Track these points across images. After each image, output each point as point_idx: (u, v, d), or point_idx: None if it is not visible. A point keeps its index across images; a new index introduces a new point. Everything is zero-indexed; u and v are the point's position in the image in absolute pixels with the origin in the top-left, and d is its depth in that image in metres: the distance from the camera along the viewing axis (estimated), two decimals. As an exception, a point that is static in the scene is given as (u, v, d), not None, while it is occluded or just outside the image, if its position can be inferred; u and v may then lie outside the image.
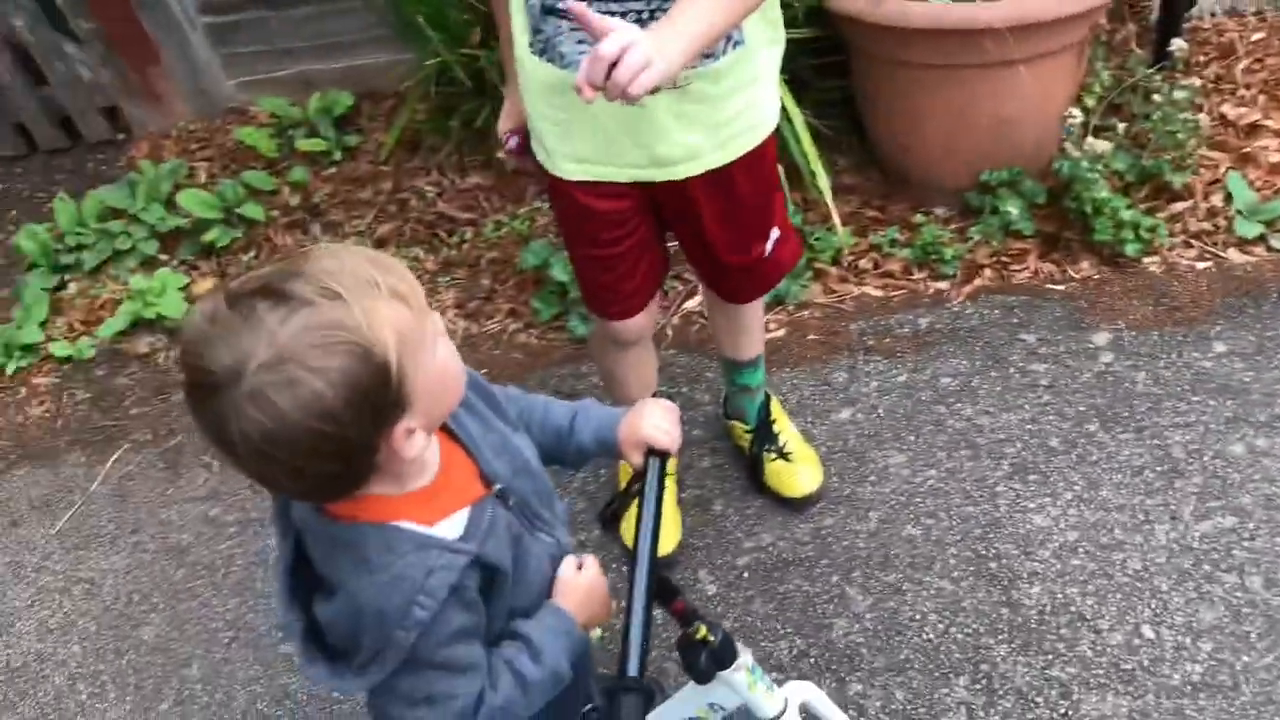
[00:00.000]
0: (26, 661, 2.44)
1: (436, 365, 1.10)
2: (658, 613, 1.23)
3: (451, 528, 1.20)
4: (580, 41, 1.63)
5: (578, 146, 1.79)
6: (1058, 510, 2.23)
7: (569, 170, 1.82)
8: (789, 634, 2.14)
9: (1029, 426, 2.40)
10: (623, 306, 2.04)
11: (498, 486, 1.26)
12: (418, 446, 1.10)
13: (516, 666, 1.24)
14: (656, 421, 1.35)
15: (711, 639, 1.26)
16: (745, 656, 1.31)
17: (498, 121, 2.00)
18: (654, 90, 1.36)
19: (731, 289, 2.12)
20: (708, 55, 1.66)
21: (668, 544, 2.27)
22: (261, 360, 0.97)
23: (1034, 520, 2.22)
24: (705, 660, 1.26)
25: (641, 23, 1.53)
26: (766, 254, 2.00)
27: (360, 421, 1.02)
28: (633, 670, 1.10)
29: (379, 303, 1.01)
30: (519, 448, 1.33)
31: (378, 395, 1.02)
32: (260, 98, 3.81)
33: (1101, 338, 2.55)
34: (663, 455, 1.33)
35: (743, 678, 1.30)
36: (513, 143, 1.94)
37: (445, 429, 1.24)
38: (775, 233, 2.00)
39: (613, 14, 1.45)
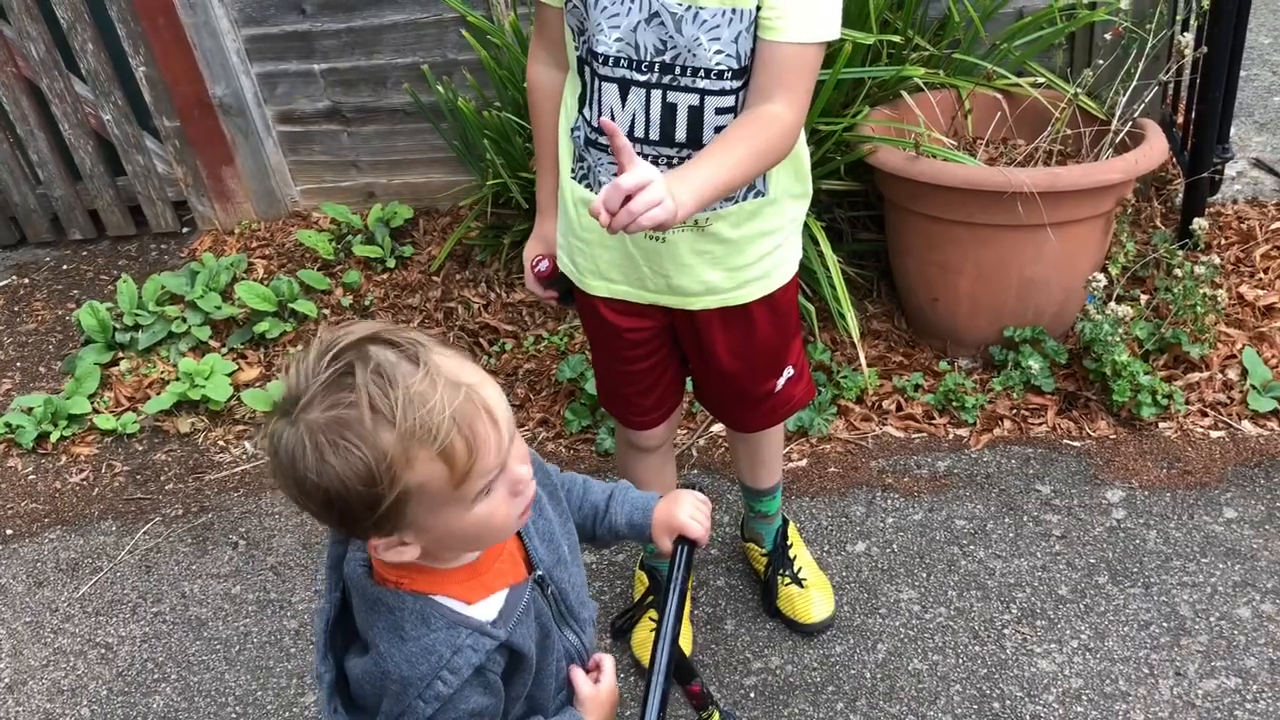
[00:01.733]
0: (35, 720, 2.47)
1: (464, 520, 1.13)
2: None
3: (489, 608, 1.23)
4: (615, 175, 1.77)
5: (603, 267, 1.91)
6: (1063, 657, 2.26)
7: (595, 287, 1.95)
8: (790, 757, 2.16)
9: (1039, 573, 2.45)
10: (642, 419, 2.14)
11: (538, 573, 1.30)
12: (405, 556, 1.14)
13: None
14: (690, 511, 1.42)
15: (724, 726, 1.31)
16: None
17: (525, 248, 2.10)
18: (666, 228, 1.46)
19: (735, 417, 2.20)
20: (728, 199, 1.78)
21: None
22: (307, 412, 1.05)
23: (1039, 664, 2.25)
24: (714, 748, 1.31)
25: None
26: (777, 389, 2.09)
27: (339, 514, 1.09)
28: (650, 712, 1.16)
29: (421, 452, 1.05)
30: (561, 539, 1.36)
31: (357, 510, 1.07)
32: (324, 204, 4.01)
33: (1115, 495, 2.61)
34: (692, 544, 1.39)
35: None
36: (543, 265, 2.01)
37: None
38: (789, 371, 2.09)
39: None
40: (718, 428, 2.95)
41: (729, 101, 1.69)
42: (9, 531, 3.03)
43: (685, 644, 2.33)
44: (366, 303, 3.61)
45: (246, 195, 4.10)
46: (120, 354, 3.57)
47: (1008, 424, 2.84)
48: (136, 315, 3.57)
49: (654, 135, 1.72)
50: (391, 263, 3.75)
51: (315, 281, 3.65)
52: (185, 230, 4.29)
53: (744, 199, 1.81)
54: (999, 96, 3.02)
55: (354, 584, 1.23)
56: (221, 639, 2.60)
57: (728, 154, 1.61)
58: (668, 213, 1.42)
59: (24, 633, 2.70)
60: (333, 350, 1.06)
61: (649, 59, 1.66)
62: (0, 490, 3.18)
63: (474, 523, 1.13)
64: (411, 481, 1.05)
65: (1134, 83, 2.91)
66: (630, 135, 1.73)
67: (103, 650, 2.62)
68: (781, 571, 2.42)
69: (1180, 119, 3.32)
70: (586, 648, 1.40)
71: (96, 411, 3.38)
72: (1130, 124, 2.88)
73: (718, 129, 1.70)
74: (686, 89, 1.68)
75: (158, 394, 3.37)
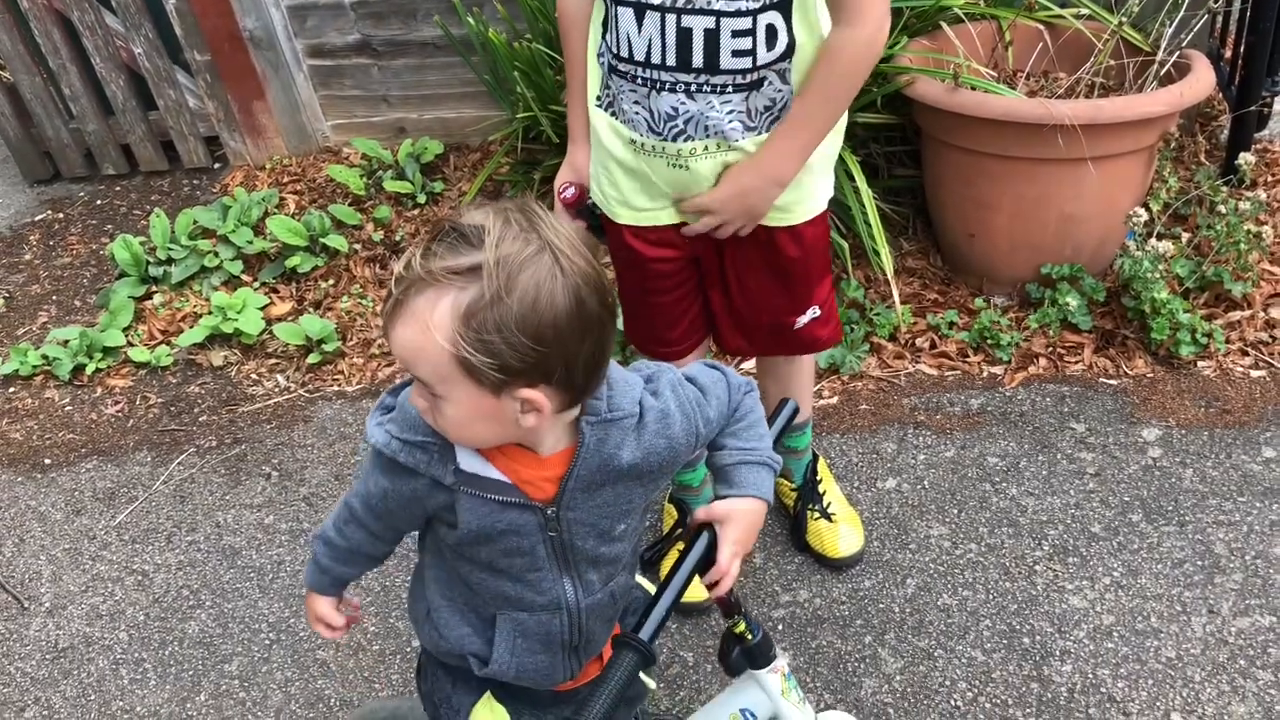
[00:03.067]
0: (74, 643, 2.51)
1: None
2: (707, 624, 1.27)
3: (476, 465, 1.26)
4: (636, 102, 1.78)
5: (628, 194, 1.90)
6: (1095, 594, 2.24)
7: (622, 215, 1.93)
8: (818, 689, 2.17)
9: (1072, 511, 2.43)
10: (668, 350, 2.12)
11: (550, 509, 1.29)
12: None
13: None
14: (736, 540, 1.37)
15: (750, 636, 1.31)
16: (781, 661, 1.36)
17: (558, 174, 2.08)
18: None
19: (753, 341, 2.14)
20: (750, 127, 1.77)
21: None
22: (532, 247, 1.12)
23: (1070, 601, 2.24)
24: (738, 655, 1.31)
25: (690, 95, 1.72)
26: (797, 325, 2.06)
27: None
28: (645, 634, 1.16)
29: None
30: (619, 519, 1.35)
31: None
32: (354, 139, 3.99)
33: (1151, 433, 2.58)
34: (713, 537, 1.35)
35: (776, 681, 1.34)
36: (569, 192, 2.00)
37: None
38: (814, 311, 2.05)
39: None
40: (748, 364, 2.93)
41: (745, 24, 1.66)
42: (47, 461, 3.07)
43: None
44: (398, 238, 3.60)
45: (277, 130, 4.09)
46: (154, 288, 3.59)
47: (1043, 362, 2.81)
48: (169, 249, 3.58)
49: (670, 60, 1.71)
50: (422, 198, 3.73)
51: (346, 216, 3.64)
52: (217, 165, 4.29)
53: (772, 123, 1.78)
54: (1041, 28, 2.94)
55: None
56: (255, 567, 2.63)
57: (807, 105, 1.74)
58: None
59: (63, 559, 2.74)
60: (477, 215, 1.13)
61: None
62: (38, 421, 3.23)
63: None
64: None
65: (1181, 13, 2.84)
66: (647, 61, 1.72)
67: (139, 577, 2.66)
68: (811, 506, 2.42)
69: (1228, 52, 3.23)
70: (579, 606, 1.38)
71: (130, 344, 3.41)
72: (1176, 55, 2.80)
73: (735, 52, 1.69)
74: (701, 11, 1.66)
75: (191, 327, 3.39)
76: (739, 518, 1.37)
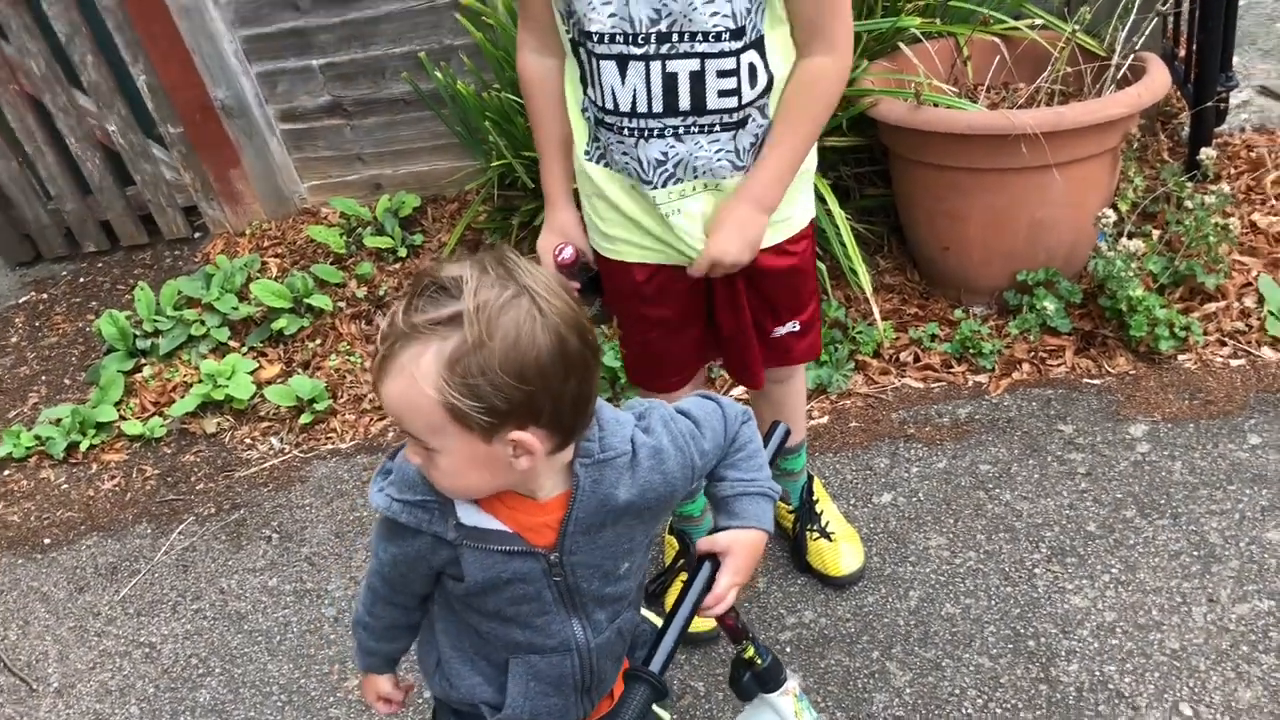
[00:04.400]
0: (86, 721, 2.52)
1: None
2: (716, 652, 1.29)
3: (476, 518, 1.28)
4: (624, 153, 1.80)
5: (631, 234, 1.92)
6: (1095, 592, 2.27)
7: (623, 252, 1.95)
8: (829, 707, 2.18)
9: (1067, 512, 2.45)
10: (665, 381, 2.15)
11: (553, 555, 1.30)
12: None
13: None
14: (733, 571, 1.38)
15: (759, 661, 1.33)
16: (793, 682, 1.37)
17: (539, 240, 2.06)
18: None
19: (739, 363, 2.13)
20: (739, 166, 1.80)
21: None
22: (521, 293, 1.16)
23: (1072, 601, 2.26)
24: (749, 679, 1.33)
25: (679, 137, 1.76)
26: (774, 334, 2.07)
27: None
28: (655, 666, 1.18)
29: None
30: (621, 558, 1.37)
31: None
32: (332, 199, 4.03)
33: (1138, 429, 2.61)
34: (715, 567, 1.37)
35: (788, 703, 1.36)
36: (566, 253, 1.96)
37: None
38: (794, 325, 2.07)
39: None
40: (738, 390, 2.96)
41: (730, 64, 1.69)
42: (47, 541, 3.08)
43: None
44: (381, 293, 3.63)
45: (255, 196, 4.13)
46: (142, 360, 3.61)
47: (1026, 367, 2.84)
48: (156, 321, 3.61)
49: (657, 108, 1.73)
50: (403, 252, 3.77)
51: (329, 275, 3.67)
52: (197, 235, 4.32)
53: (749, 160, 1.81)
54: (997, 41, 3.00)
55: None
56: (262, 630, 2.64)
57: (788, 131, 1.77)
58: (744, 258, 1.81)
59: (69, 637, 2.75)
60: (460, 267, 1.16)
61: (644, 30, 1.66)
62: (35, 501, 3.23)
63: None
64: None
65: (1132, 16, 2.90)
66: (633, 110, 1.74)
67: (147, 649, 2.66)
68: (809, 527, 2.44)
69: (1182, 51, 3.30)
70: (590, 646, 1.40)
71: (123, 418, 3.43)
72: (1131, 58, 2.86)
73: (721, 92, 1.71)
74: (686, 55, 1.67)
75: (182, 397, 3.41)
76: (739, 549, 1.39)
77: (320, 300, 3.55)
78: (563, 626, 1.37)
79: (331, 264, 3.78)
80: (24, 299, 4.28)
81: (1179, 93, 3.40)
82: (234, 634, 2.65)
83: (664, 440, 1.32)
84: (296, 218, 4.14)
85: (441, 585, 1.39)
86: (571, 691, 1.43)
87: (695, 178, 1.80)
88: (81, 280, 4.31)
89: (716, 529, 1.41)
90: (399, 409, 1.16)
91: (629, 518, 1.33)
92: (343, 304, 3.64)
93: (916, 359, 2.94)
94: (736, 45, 1.67)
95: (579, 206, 2.00)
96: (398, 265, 3.75)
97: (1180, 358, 2.77)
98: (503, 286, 1.12)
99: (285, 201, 4.14)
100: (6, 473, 3.37)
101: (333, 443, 3.20)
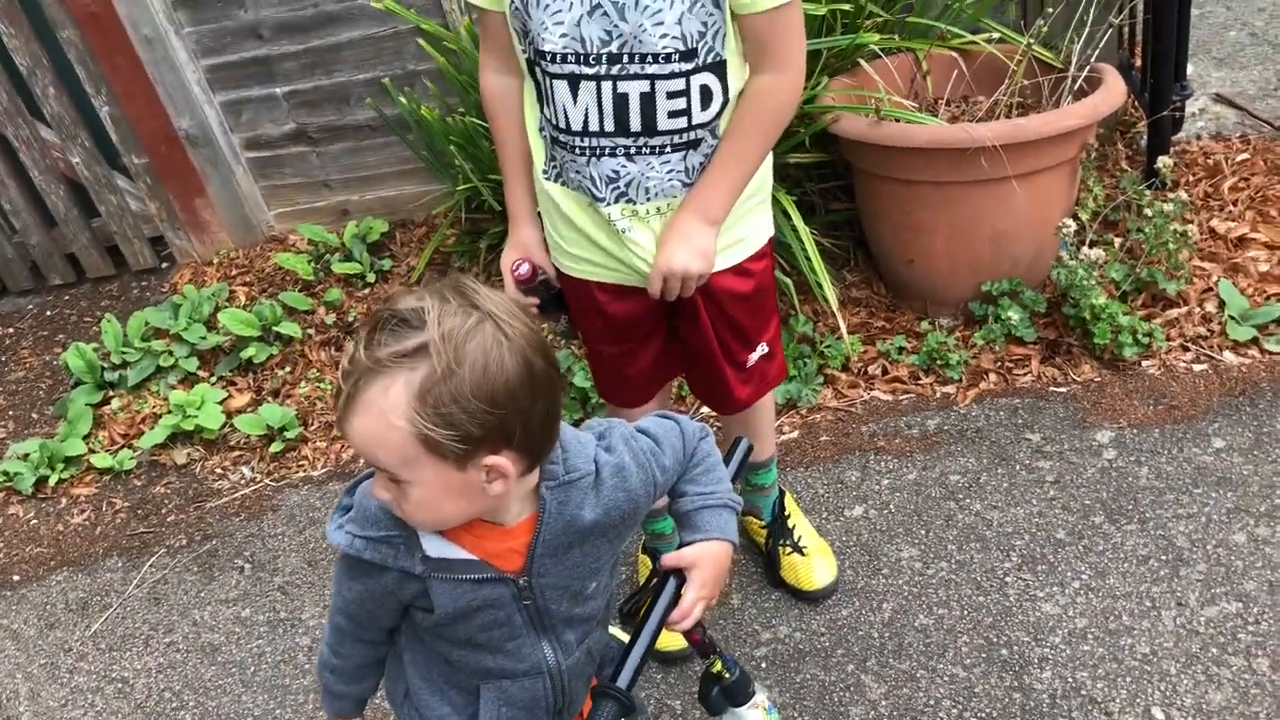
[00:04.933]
0: (58, 759, 2.49)
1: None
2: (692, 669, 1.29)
3: (443, 549, 1.28)
4: (577, 171, 1.82)
5: (590, 253, 1.93)
6: (1066, 598, 2.28)
7: (584, 270, 1.97)
8: (806, 722, 2.19)
9: (1036, 520, 2.47)
10: (633, 394, 2.16)
11: (522, 579, 1.31)
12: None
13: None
14: (699, 584, 1.39)
15: (727, 675, 1.33)
16: (760, 696, 1.38)
17: (502, 257, 2.08)
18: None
19: (713, 393, 2.17)
20: (688, 184, 1.81)
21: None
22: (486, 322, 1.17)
23: (1043, 608, 2.28)
24: (717, 694, 1.33)
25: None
26: (749, 364, 2.09)
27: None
28: (622, 683, 1.18)
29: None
30: (588, 578, 1.38)
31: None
32: (299, 226, 4.02)
33: (1104, 436, 2.64)
34: (680, 583, 1.38)
35: (758, 716, 1.37)
36: (523, 269, 1.98)
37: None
38: (763, 348, 2.09)
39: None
40: (706, 409, 2.97)
41: (679, 85, 1.71)
42: (15, 577, 3.05)
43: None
44: (350, 319, 3.62)
45: (221, 225, 4.11)
46: (111, 393, 3.59)
47: (993, 377, 2.87)
48: (124, 353, 3.59)
49: (609, 127, 1.74)
50: (372, 277, 3.77)
51: (297, 303, 3.66)
52: (164, 265, 4.30)
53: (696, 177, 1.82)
54: (955, 55, 3.04)
55: None
56: (236, 662, 2.62)
57: (735, 147, 1.77)
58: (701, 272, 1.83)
59: (40, 675, 2.71)
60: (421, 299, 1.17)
61: (595, 51, 1.68)
62: (4, 538, 3.20)
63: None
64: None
65: (1087, 28, 2.94)
66: (585, 129, 1.76)
67: (119, 685, 2.64)
68: (782, 542, 2.45)
69: (1138, 61, 3.35)
70: (560, 668, 1.41)
71: (92, 451, 3.40)
72: (1088, 70, 2.90)
73: (670, 113, 1.73)
74: (636, 76, 1.69)
75: (151, 428, 3.38)
76: (705, 562, 1.40)
77: (289, 328, 3.54)
78: (533, 650, 1.37)
79: (300, 291, 3.77)
80: (-10, 334, 4.25)
81: (1136, 102, 3.45)
82: (208, 666, 2.62)
83: (625, 458, 1.34)
84: (264, 245, 4.12)
85: (409, 617, 1.39)
86: (544, 714, 1.43)
87: (649, 199, 1.81)
88: (48, 313, 4.28)
89: (681, 544, 1.41)
90: (368, 445, 1.16)
91: (595, 537, 1.34)
92: (312, 330, 3.63)
93: (885, 371, 2.96)
94: (687, 67, 1.69)
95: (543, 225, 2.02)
96: (367, 290, 3.75)
97: (1144, 364, 2.80)
98: (465, 314, 1.13)
99: (252, 229, 4.13)
100: (-26, 510, 3.34)
101: (304, 470, 3.19)
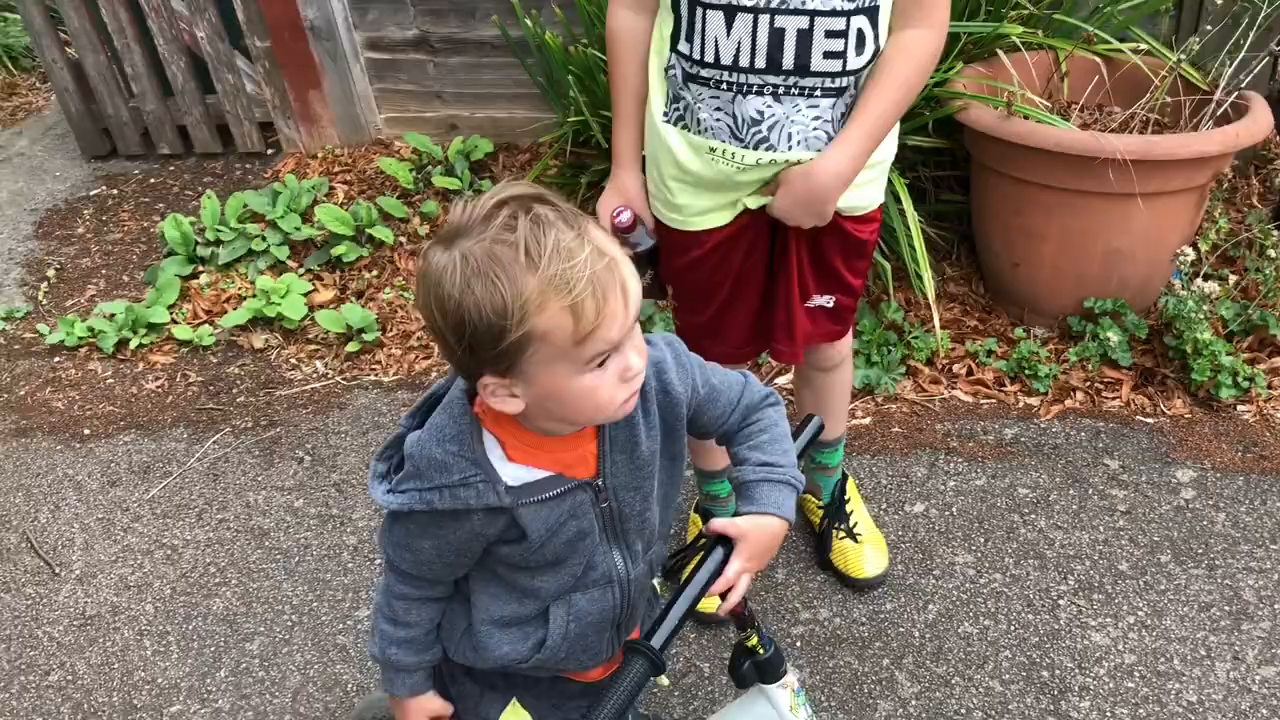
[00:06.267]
0: (101, 612, 2.55)
1: (572, 384, 1.16)
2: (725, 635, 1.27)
3: (520, 474, 1.27)
4: (718, 109, 1.76)
5: (697, 202, 1.89)
6: (1118, 631, 2.22)
7: (697, 222, 1.92)
8: (832, 708, 2.16)
9: (1100, 548, 2.40)
10: (728, 351, 2.10)
11: (598, 480, 1.31)
12: (510, 407, 1.19)
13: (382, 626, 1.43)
14: (746, 556, 1.36)
15: (761, 650, 1.31)
16: (791, 676, 1.36)
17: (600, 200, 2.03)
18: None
19: (767, 323, 2.09)
20: (832, 137, 1.77)
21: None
22: (464, 241, 1.11)
23: (1093, 637, 2.22)
24: (748, 668, 1.31)
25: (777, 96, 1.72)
26: (809, 306, 2.02)
27: (468, 341, 1.13)
28: (656, 642, 1.17)
29: (555, 301, 1.09)
30: (651, 478, 1.37)
31: (483, 340, 1.12)
32: (406, 133, 4.03)
33: (1185, 474, 2.56)
34: (729, 550, 1.35)
35: (785, 696, 1.34)
36: (624, 216, 1.94)
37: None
38: (828, 299, 2.02)
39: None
40: (783, 379, 2.93)
41: (839, 24, 1.66)
42: (86, 431, 3.13)
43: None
44: (442, 233, 3.63)
45: (331, 120, 4.14)
46: (200, 268, 3.65)
47: (1080, 396, 2.79)
48: (218, 231, 3.64)
49: (760, 63, 1.70)
50: (470, 195, 3.76)
51: (394, 209, 3.68)
52: (270, 151, 4.35)
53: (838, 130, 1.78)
54: (1098, 61, 2.93)
55: (447, 401, 1.29)
56: (282, 549, 2.66)
57: (878, 99, 1.74)
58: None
59: (95, 528, 2.79)
60: (501, 198, 1.13)
61: None
62: (81, 391, 3.28)
63: (580, 390, 1.17)
64: (539, 326, 1.10)
65: (1242, 53, 2.81)
66: (734, 64, 1.71)
67: (168, 551, 2.70)
68: (837, 525, 2.41)
69: (1289, 95, 3.20)
70: (629, 577, 1.40)
71: (174, 322, 3.46)
72: (1235, 96, 2.78)
73: (827, 54, 1.68)
74: (796, 11, 1.65)
75: (234, 309, 3.44)
76: (755, 536, 1.38)
77: (382, 232, 3.56)
78: (605, 558, 1.38)
79: (398, 198, 3.78)
80: (94, 192, 4.34)
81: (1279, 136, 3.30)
82: (254, 549, 2.67)
83: (666, 355, 1.35)
84: (369, 147, 4.15)
85: (488, 554, 1.38)
86: (608, 627, 1.44)
87: (789, 148, 1.76)
88: (152, 181, 4.35)
89: (737, 514, 1.39)
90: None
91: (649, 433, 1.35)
92: (404, 239, 3.64)
93: (970, 372, 2.89)
94: (849, 6, 1.64)
95: (645, 173, 1.98)
96: (462, 208, 3.74)
97: (1240, 408, 2.70)
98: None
99: (360, 129, 4.15)
100: (57, 359, 3.43)
101: (376, 374, 3.21)
